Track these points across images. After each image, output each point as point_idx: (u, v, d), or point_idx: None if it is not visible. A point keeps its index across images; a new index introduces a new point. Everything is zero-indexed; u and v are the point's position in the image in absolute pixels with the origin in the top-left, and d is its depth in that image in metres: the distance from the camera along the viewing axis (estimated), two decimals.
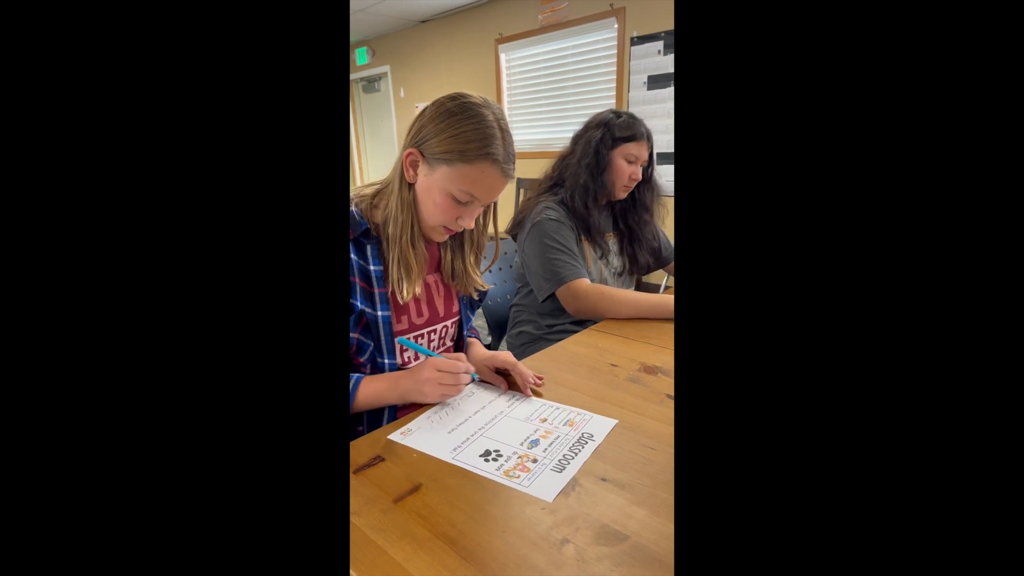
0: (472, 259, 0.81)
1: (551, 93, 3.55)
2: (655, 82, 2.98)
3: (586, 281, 1.07)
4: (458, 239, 0.80)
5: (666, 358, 0.82)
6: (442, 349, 0.82)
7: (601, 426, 0.63)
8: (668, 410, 0.66)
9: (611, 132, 1.16)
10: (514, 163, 0.69)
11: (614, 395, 0.71)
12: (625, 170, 1.15)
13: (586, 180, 1.15)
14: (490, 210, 0.79)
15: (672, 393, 0.70)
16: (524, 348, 1.21)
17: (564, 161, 1.22)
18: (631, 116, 1.17)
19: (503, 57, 3.76)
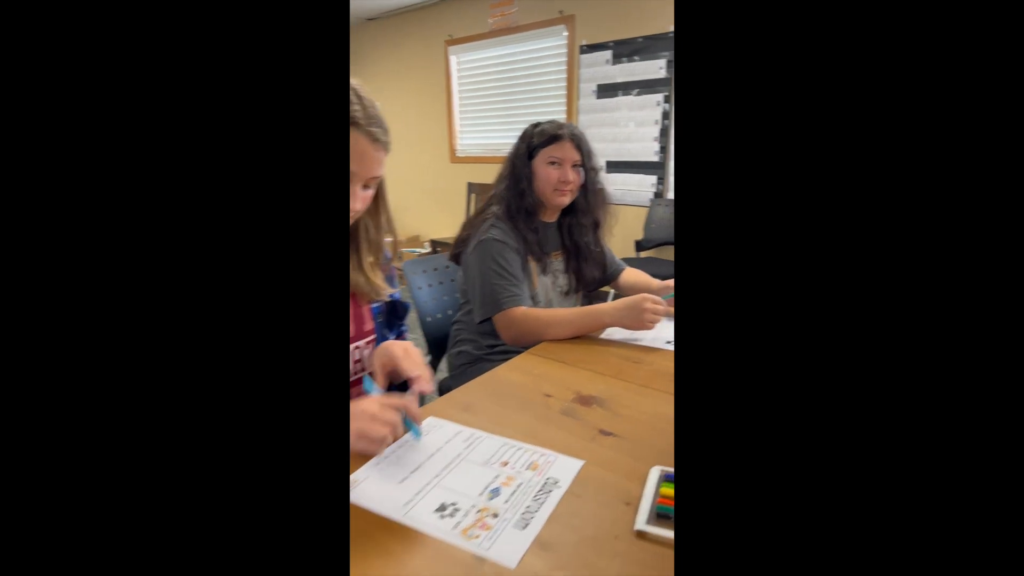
0: (371, 259, 0.76)
1: (502, 97, 3.52)
2: (604, 91, 3.00)
3: (521, 308, 1.02)
4: (354, 242, 0.74)
5: (603, 386, 0.79)
6: (359, 375, 0.76)
7: (567, 469, 0.58)
8: (601, 447, 0.63)
9: (528, 143, 1.13)
10: (384, 129, 0.65)
11: (545, 431, 0.67)
12: (551, 174, 1.11)
13: (512, 198, 1.12)
14: (381, 203, 0.74)
15: (606, 428, 0.67)
16: (464, 369, 1.16)
17: (497, 179, 1.19)
18: (552, 122, 1.14)
19: (453, 59, 3.69)
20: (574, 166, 1.12)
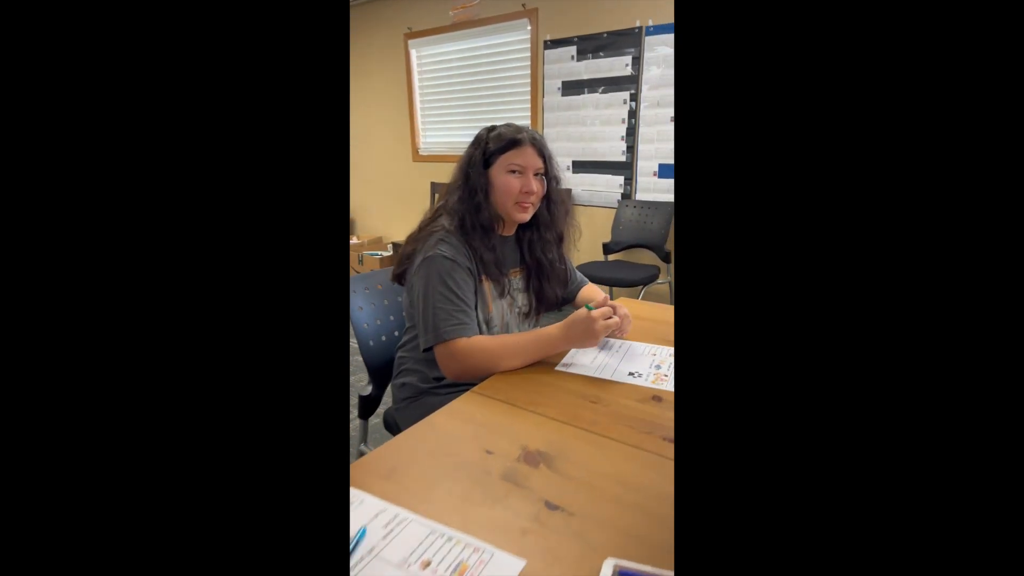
0: None
1: (465, 94, 3.39)
2: (569, 88, 2.90)
3: (463, 340, 0.90)
4: None
5: (554, 435, 0.69)
6: None
7: (503, 572, 0.46)
8: (544, 530, 0.52)
9: (483, 149, 0.99)
10: None
11: (480, 506, 0.55)
12: (512, 185, 0.98)
13: (467, 212, 0.98)
14: None
15: (553, 499, 0.56)
16: (408, 404, 1.03)
17: (446, 188, 1.06)
18: (508, 125, 1.01)
19: (413, 53, 3.53)
20: (536, 175, 1.00)
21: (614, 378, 0.86)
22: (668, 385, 0.83)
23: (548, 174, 1.03)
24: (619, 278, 2.50)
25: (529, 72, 3.04)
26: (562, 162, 3.08)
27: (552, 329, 0.91)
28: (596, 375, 0.87)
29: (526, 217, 1.02)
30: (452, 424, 0.73)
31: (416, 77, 3.59)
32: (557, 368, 0.90)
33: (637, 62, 2.64)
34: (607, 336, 0.99)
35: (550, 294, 1.12)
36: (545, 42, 2.92)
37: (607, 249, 2.78)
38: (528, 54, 3.02)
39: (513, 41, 3.08)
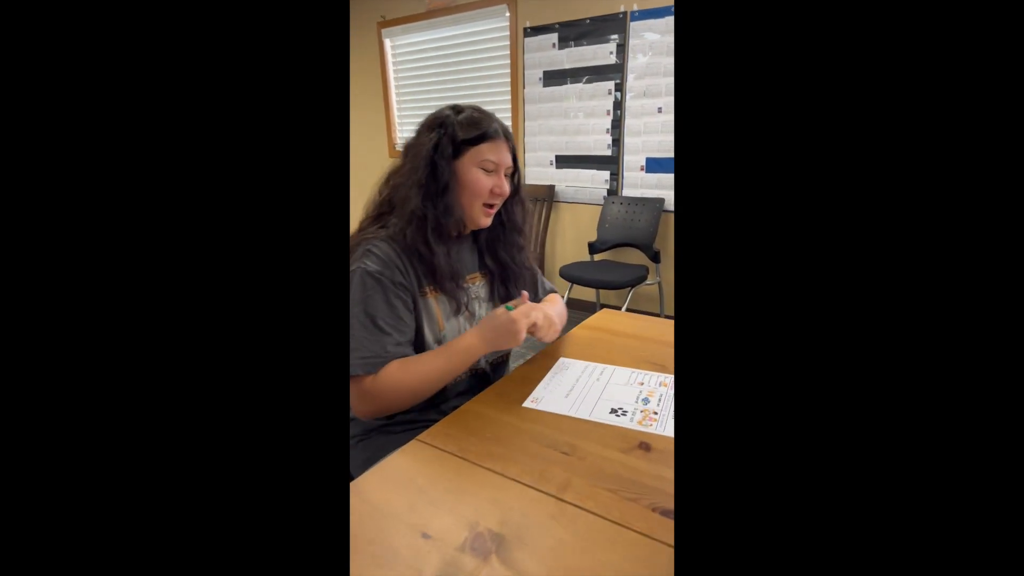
0: None
1: (443, 85, 3.21)
2: (551, 78, 2.74)
3: (369, 378, 0.75)
4: None
5: (511, 506, 0.53)
6: None
7: None
8: None
9: (451, 134, 0.82)
10: None
11: None
12: (483, 184, 0.83)
13: (421, 206, 0.81)
14: None
15: None
16: (356, 443, 0.87)
17: (392, 180, 0.89)
18: (477, 109, 0.85)
19: (387, 43, 3.35)
20: (506, 174, 0.86)
21: (592, 417, 0.71)
22: (659, 427, 0.68)
23: (516, 171, 0.89)
24: (606, 280, 2.35)
25: (509, 61, 2.87)
26: (545, 156, 2.94)
27: (468, 337, 0.79)
28: (570, 413, 0.72)
29: (489, 222, 0.88)
30: (383, 491, 0.57)
31: (391, 68, 3.41)
32: (524, 404, 0.75)
33: (622, 50, 2.48)
34: (552, 340, 0.88)
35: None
36: (525, 29, 2.76)
37: (593, 248, 2.63)
38: (507, 43, 2.85)
39: (492, 29, 2.91)
